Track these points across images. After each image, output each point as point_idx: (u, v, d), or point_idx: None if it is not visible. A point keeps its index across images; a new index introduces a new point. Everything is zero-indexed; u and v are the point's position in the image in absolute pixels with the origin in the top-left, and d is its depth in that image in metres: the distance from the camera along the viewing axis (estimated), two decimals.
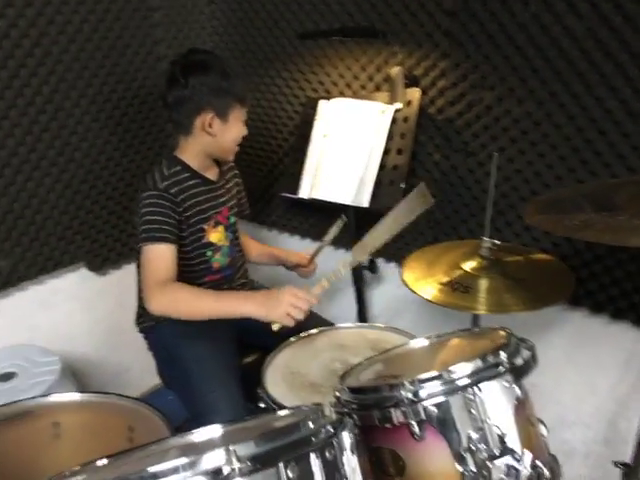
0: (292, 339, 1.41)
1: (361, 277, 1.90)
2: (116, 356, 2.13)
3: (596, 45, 1.35)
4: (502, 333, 0.88)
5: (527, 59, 1.46)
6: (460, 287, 1.24)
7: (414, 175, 1.78)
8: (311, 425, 0.62)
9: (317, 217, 2.11)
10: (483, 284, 1.25)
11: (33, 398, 1.18)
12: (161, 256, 1.41)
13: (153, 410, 1.15)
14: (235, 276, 1.68)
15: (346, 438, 0.62)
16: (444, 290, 1.25)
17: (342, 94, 1.87)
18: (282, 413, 0.81)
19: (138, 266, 1.58)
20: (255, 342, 1.65)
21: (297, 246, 2.22)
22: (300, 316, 1.30)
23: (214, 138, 1.48)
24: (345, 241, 2.03)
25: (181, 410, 1.50)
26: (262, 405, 1.21)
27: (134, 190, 1.98)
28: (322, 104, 1.79)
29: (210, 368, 1.46)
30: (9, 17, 1.55)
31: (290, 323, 1.30)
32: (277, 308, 1.29)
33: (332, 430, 0.64)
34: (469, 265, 1.34)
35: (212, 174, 1.61)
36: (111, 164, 1.90)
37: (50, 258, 1.81)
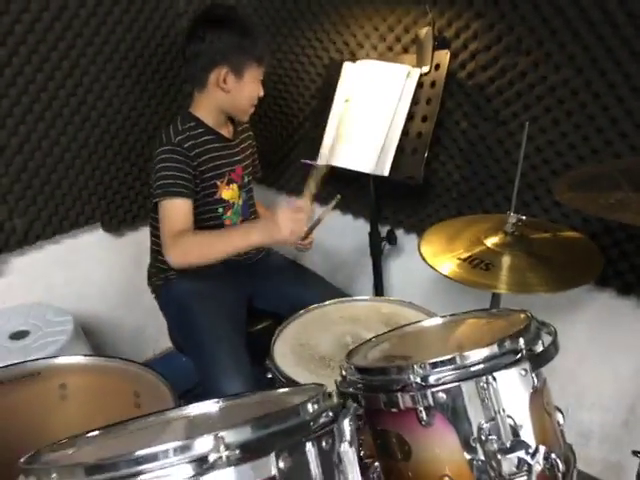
0: (304, 310, 1.37)
1: (379, 248, 1.84)
2: (131, 317, 2.13)
3: None
4: (522, 316, 0.82)
5: (567, 21, 1.35)
6: (481, 264, 1.18)
7: (439, 144, 1.70)
8: (310, 409, 0.58)
9: (337, 184, 2.04)
10: (505, 261, 1.18)
11: (40, 359, 1.17)
12: (177, 210, 1.41)
13: (158, 376, 1.13)
14: None
15: (347, 426, 0.58)
16: (464, 266, 1.19)
17: (368, 56, 1.78)
18: (282, 391, 0.78)
19: (151, 225, 1.56)
20: (266, 308, 1.64)
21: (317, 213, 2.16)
22: (302, 228, 1.35)
23: (228, 94, 1.46)
24: (364, 213, 1.99)
25: (192, 373, 1.49)
26: (269, 376, 1.19)
27: (151, 151, 1.93)
28: (347, 66, 1.71)
29: (219, 331, 1.45)
30: None
31: (297, 238, 1.36)
32: (279, 230, 1.31)
33: (333, 416, 0.60)
34: (492, 241, 1.27)
35: (227, 132, 1.59)
36: (128, 124, 1.86)
37: (66, 218, 1.80)
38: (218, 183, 1.52)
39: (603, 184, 0.94)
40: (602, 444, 1.75)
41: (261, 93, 1.52)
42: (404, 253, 1.98)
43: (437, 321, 0.98)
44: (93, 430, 0.72)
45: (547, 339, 0.80)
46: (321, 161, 1.73)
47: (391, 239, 1.84)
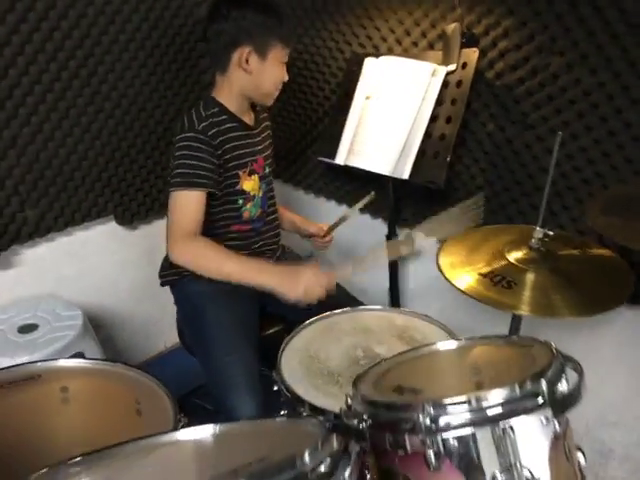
0: (315, 318, 1.32)
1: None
2: (143, 310, 2.11)
3: None
4: (545, 350, 0.76)
5: (606, 22, 1.27)
6: (502, 281, 1.11)
7: (464, 146, 1.62)
8: (308, 460, 0.53)
9: (356, 183, 1.98)
10: (529, 279, 1.11)
11: (41, 362, 1.15)
12: (191, 204, 1.35)
13: (159, 384, 1.11)
14: (265, 233, 1.59)
15: (347, 478, 0.53)
16: (484, 282, 1.12)
17: (391, 51, 1.70)
18: (282, 423, 0.73)
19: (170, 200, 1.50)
20: (278, 312, 1.59)
21: (333, 212, 2.11)
22: (318, 297, 1.26)
23: (250, 76, 1.39)
24: (382, 214, 1.92)
25: (199, 372, 1.46)
26: (275, 388, 1.14)
27: (166, 144, 1.90)
28: (369, 61, 1.64)
29: (229, 332, 1.41)
30: None
31: (307, 302, 1.26)
32: (295, 287, 1.25)
33: (332, 465, 0.55)
34: (515, 256, 1.20)
35: (249, 119, 1.52)
36: (143, 116, 1.82)
37: (78, 210, 1.77)
38: (240, 173, 1.46)
39: None
40: (623, 464, 1.68)
41: (285, 77, 1.45)
42: (423, 257, 1.91)
43: (452, 345, 0.92)
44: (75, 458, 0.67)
45: (572, 376, 0.73)
46: (339, 160, 1.67)
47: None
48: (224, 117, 1.42)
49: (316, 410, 1.03)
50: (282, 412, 1.08)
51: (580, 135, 1.39)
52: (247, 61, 1.36)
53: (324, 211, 2.17)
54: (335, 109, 1.80)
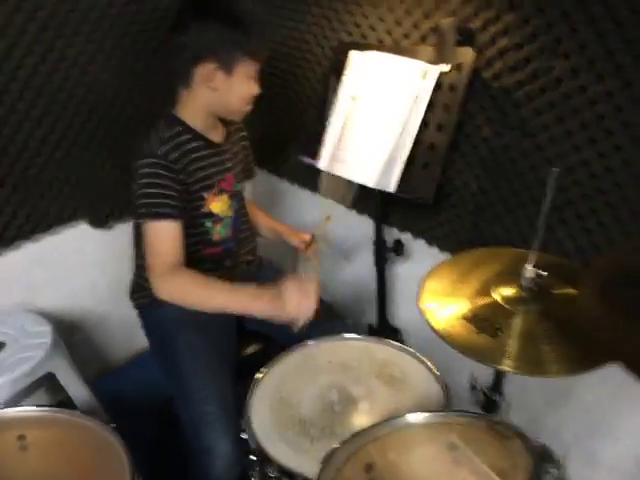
0: (291, 349, 1.24)
1: (384, 259, 1.68)
2: (122, 309, 2.01)
3: None
4: (523, 452, 0.67)
5: (618, 25, 1.11)
6: (488, 328, 1.01)
7: (457, 150, 1.49)
8: None
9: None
10: (516, 326, 1.02)
11: None
12: (165, 236, 1.26)
13: (119, 439, 1.04)
14: (239, 251, 1.51)
15: None
16: (467, 328, 1.03)
17: (381, 42, 1.55)
18: None
19: (136, 237, 1.42)
20: (258, 329, 1.51)
21: (317, 205, 2.00)
22: (310, 310, 1.19)
23: (217, 93, 1.27)
24: (370, 210, 1.81)
25: None
26: (244, 436, 1.07)
27: (138, 142, 1.77)
28: (354, 55, 1.48)
29: (202, 364, 1.34)
30: None
31: (306, 317, 1.19)
32: (285, 308, 1.17)
33: None
34: (504, 292, 1.10)
35: (217, 135, 1.41)
36: (114, 111, 1.68)
37: (46, 215, 1.66)
38: (205, 195, 1.36)
39: None
40: (611, 471, 1.63)
41: (256, 91, 1.33)
42: (411, 259, 1.81)
43: (421, 420, 0.83)
44: None
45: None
46: (322, 164, 1.55)
47: (398, 250, 1.67)
48: (187, 137, 1.31)
49: (284, 472, 0.96)
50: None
51: (583, 147, 1.26)
52: (212, 77, 1.23)
53: (309, 203, 2.07)
54: (320, 103, 1.66)
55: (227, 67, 1.23)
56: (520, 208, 1.44)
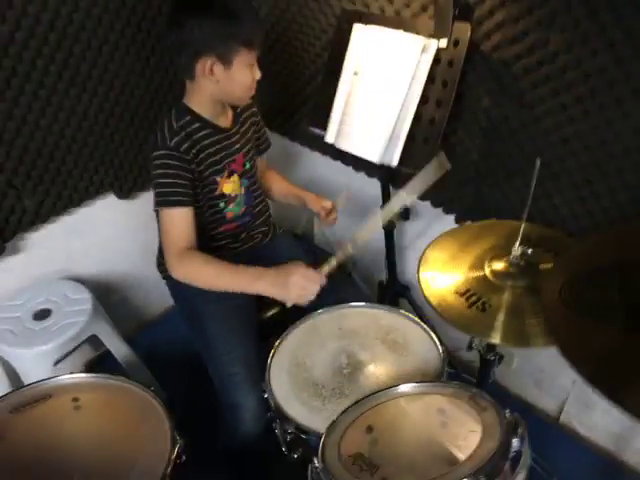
0: (303, 318, 1.38)
1: (392, 223, 1.78)
2: (152, 271, 2.17)
3: None
4: (495, 422, 0.80)
5: (610, 1, 1.13)
6: (478, 302, 1.13)
7: (459, 118, 1.54)
8: None
9: None
10: (505, 301, 1.12)
11: (50, 379, 1.25)
12: (178, 222, 1.38)
13: (160, 402, 1.21)
14: (253, 223, 1.62)
15: None
16: (459, 302, 1.14)
17: (382, 11, 1.57)
18: None
19: (158, 217, 1.54)
20: None
21: (327, 166, 2.09)
22: (310, 297, 1.28)
23: (219, 84, 1.34)
24: (377, 172, 1.89)
25: None
26: (265, 395, 1.23)
27: (155, 114, 1.86)
28: (357, 28, 1.51)
29: (227, 330, 1.47)
30: None
31: (302, 303, 1.29)
32: (286, 290, 1.27)
33: None
34: (496, 266, 1.20)
35: (225, 120, 1.48)
36: (127, 89, 1.76)
37: (75, 192, 1.79)
38: (218, 179, 1.46)
39: (599, 299, 0.79)
40: (605, 414, 1.78)
41: (257, 76, 1.38)
42: (418, 219, 1.91)
43: (412, 390, 0.97)
44: None
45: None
46: (329, 138, 1.62)
47: (404, 215, 1.76)
48: (197, 125, 1.39)
49: (301, 429, 1.12)
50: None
51: (577, 120, 1.31)
52: (212, 71, 1.29)
53: (319, 165, 2.15)
54: (325, 75, 1.69)
55: (225, 59, 1.29)
56: (519, 174, 1.50)
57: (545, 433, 1.88)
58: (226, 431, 1.41)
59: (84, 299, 1.74)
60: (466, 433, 0.84)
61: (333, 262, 1.33)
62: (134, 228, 2.06)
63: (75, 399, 1.26)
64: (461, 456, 0.79)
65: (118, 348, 1.85)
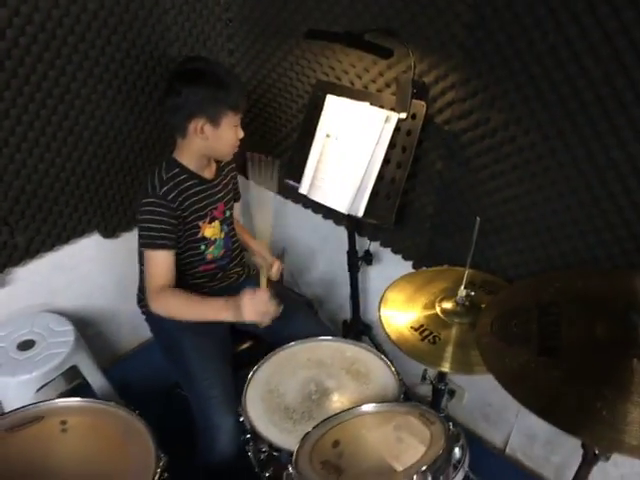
0: (276, 351, 1.53)
1: (356, 266, 1.98)
2: (128, 306, 2.29)
3: (612, 93, 1.28)
4: (441, 433, 0.98)
5: (539, 91, 1.39)
6: (430, 336, 1.32)
7: (416, 178, 1.77)
8: None
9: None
10: (453, 335, 1.32)
11: (44, 402, 1.36)
12: (161, 263, 1.55)
13: (144, 423, 1.33)
14: (230, 264, 1.79)
15: None
16: (415, 336, 1.33)
17: (352, 84, 1.81)
18: None
19: (140, 258, 1.68)
20: (248, 330, 1.79)
21: (299, 214, 2.28)
22: (268, 307, 1.48)
23: (207, 142, 1.54)
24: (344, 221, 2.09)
25: None
26: (241, 419, 1.37)
27: (142, 162, 2.03)
28: (330, 99, 1.75)
29: (205, 357, 1.61)
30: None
31: (269, 316, 1.50)
32: (244, 312, 1.47)
33: None
34: (445, 306, 1.40)
35: (209, 172, 1.68)
36: (120, 139, 1.93)
37: (64, 230, 1.92)
38: (200, 224, 1.63)
39: (519, 330, 1.01)
40: (545, 446, 1.97)
41: (241, 135, 1.59)
42: (380, 263, 2.11)
43: (373, 409, 1.14)
44: None
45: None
46: (303, 189, 1.82)
47: (367, 259, 1.97)
48: (184, 176, 1.58)
49: (273, 447, 1.26)
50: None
51: (514, 184, 1.55)
52: (202, 130, 1.50)
53: (291, 212, 2.34)
54: (302, 131, 1.91)
55: (214, 121, 1.50)
56: (467, 228, 1.71)
57: (492, 463, 2.06)
58: (203, 452, 1.53)
59: (67, 331, 1.84)
60: (417, 443, 1.01)
61: (262, 274, 1.59)
62: (113, 265, 2.20)
63: (63, 422, 1.37)
64: (412, 461, 0.96)
65: (96, 379, 1.94)
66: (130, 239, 2.16)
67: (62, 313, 1.98)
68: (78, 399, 1.39)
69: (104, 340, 2.30)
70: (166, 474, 1.26)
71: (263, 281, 1.58)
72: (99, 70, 1.77)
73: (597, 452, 1.00)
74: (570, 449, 1.87)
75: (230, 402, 1.52)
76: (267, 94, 2.12)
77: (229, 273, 1.80)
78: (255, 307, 1.47)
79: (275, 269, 1.73)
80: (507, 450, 2.09)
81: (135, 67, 1.86)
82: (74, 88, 1.73)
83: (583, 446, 1.01)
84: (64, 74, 1.69)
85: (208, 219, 1.65)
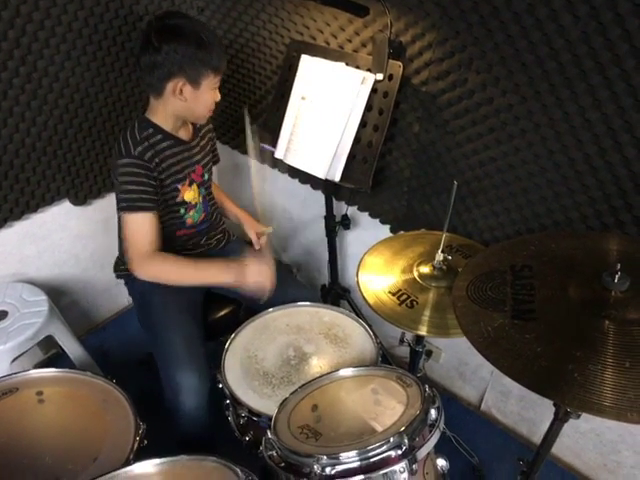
0: (255, 316, 1.53)
1: (334, 231, 1.97)
2: (105, 274, 2.27)
3: (589, 52, 1.26)
4: (417, 394, 0.99)
5: (517, 51, 1.37)
6: (407, 300, 1.32)
7: (393, 140, 1.75)
8: None
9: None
10: (430, 299, 1.33)
11: (17, 374, 1.34)
12: (142, 226, 1.49)
13: (122, 392, 1.33)
14: (210, 230, 1.76)
15: None
16: (391, 301, 1.33)
17: (328, 43, 1.75)
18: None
19: (119, 225, 1.64)
20: (226, 294, 1.77)
21: (276, 178, 2.25)
22: (268, 282, 1.47)
23: (185, 103, 1.48)
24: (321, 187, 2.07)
25: None
26: (220, 386, 1.38)
27: (112, 125, 1.97)
28: (305, 59, 1.70)
29: (173, 313, 1.59)
30: None
31: (264, 290, 1.47)
32: (246, 280, 1.45)
33: None
34: (422, 270, 1.40)
35: (185, 134, 1.62)
36: (86, 102, 1.86)
37: (32, 198, 1.86)
38: (179, 187, 1.59)
39: (494, 294, 1.02)
40: (519, 402, 2.03)
41: (217, 98, 1.53)
42: (358, 227, 2.10)
43: (352, 374, 1.15)
44: None
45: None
46: (278, 154, 1.79)
47: (345, 224, 1.95)
48: (159, 137, 1.52)
49: (253, 412, 1.27)
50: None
51: (491, 146, 1.54)
52: (181, 91, 1.43)
53: (268, 177, 2.30)
54: (276, 94, 1.87)
55: (195, 82, 1.44)
56: (444, 192, 1.72)
57: (468, 420, 2.12)
58: (170, 412, 1.49)
59: (40, 301, 1.81)
60: (395, 404, 1.03)
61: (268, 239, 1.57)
62: (86, 233, 2.15)
63: (39, 392, 1.36)
64: (389, 422, 0.97)
65: (73, 348, 1.92)
66: (102, 206, 2.12)
67: (35, 283, 1.95)
68: (53, 369, 1.38)
69: (80, 309, 2.27)
70: (145, 441, 1.27)
71: (268, 247, 1.54)
72: (62, 29, 1.68)
73: (569, 410, 1.03)
74: (542, 405, 1.94)
75: (194, 361, 1.47)
76: (239, 55, 2.05)
77: (209, 239, 1.78)
78: (260, 273, 1.45)
79: (265, 238, 1.73)
80: (482, 407, 2.15)
81: (100, 26, 1.77)
82: (36, 49, 1.65)
83: (555, 405, 1.04)
84: (24, 34, 1.61)
85: (187, 182, 1.61)
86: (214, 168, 1.86)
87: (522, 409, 2.03)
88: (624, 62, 1.22)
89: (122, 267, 1.73)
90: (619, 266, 0.93)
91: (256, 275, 1.45)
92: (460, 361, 2.12)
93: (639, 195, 1.34)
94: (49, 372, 1.37)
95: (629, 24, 1.18)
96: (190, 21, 1.45)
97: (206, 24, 1.53)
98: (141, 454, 1.24)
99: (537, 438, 2.03)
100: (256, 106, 2.14)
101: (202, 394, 1.47)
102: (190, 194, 1.63)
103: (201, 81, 1.44)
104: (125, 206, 1.47)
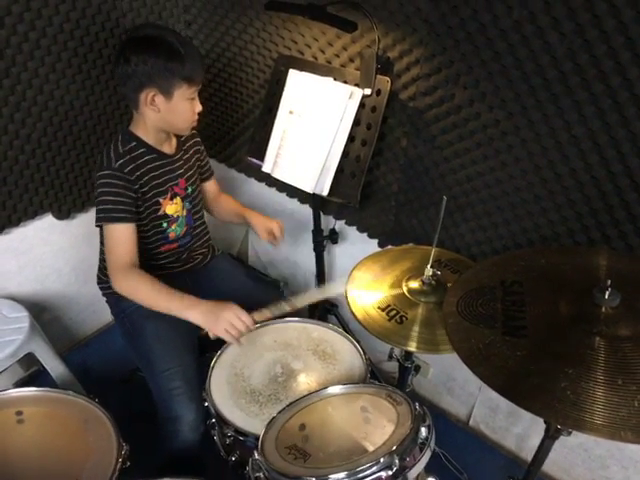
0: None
1: (322, 245, 1.96)
2: (86, 289, 2.23)
3: (575, 68, 1.27)
4: (408, 413, 0.97)
5: (504, 67, 1.38)
6: (396, 315, 1.31)
7: (381, 155, 1.75)
8: None
9: None
10: (419, 315, 1.31)
11: None
12: (120, 238, 1.47)
13: (104, 411, 1.29)
14: (194, 244, 1.74)
15: None
16: (381, 316, 1.32)
17: (315, 58, 1.76)
18: None
19: (101, 237, 1.61)
20: None
21: (263, 192, 2.24)
22: (238, 334, 1.38)
23: (159, 114, 1.47)
24: (309, 202, 2.06)
25: None
26: (206, 404, 1.35)
27: (97, 139, 1.94)
28: (293, 74, 1.70)
29: (167, 345, 1.56)
30: None
31: (228, 339, 1.39)
32: (216, 323, 1.38)
33: None
34: (411, 285, 1.39)
35: (169, 147, 1.61)
36: (71, 115, 1.83)
37: (14, 212, 1.82)
38: (161, 200, 1.57)
39: (485, 310, 1.01)
40: (507, 417, 2.02)
41: (198, 109, 1.52)
42: (346, 242, 2.09)
43: (339, 391, 1.13)
44: None
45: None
46: (266, 168, 1.78)
47: (333, 238, 1.94)
48: (142, 150, 1.51)
49: (239, 432, 1.24)
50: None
51: (478, 161, 1.55)
52: (153, 102, 1.43)
53: (255, 190, 2.30)
54: (264, 108, 1.86)
55: (166, 92, 1.42)
56: (432, 206, 1.72)
57: (457, 436, 2.10)
58: (164, 441, 1.49)
59: (21, 317, 1.77)
60: (385, 423, 1.01)
61: (266, 313, 1.44)
62: (69, 248, 2.11)
63: (19, 412, 1.32)
64: (380, 442, 0.96)
65: (54, 366, 1.87)
66: (86, 220, 2.08)
67: (15, 299, 1.90)
68: (33, 389, 1.34)
69: (62, 325, 2.22)
70: (128, 463, 1.24)
71: (265, 313, 1.43)
72: (47, 42, 1.66)
73: (559, 427, 1.02)
74: (530, 420, 1.93)
75: (192, 392, 1.47)
76: (227, 68, 2.04)
77: (193, 254, 1.75)
78: (233, 326, 1.36)
79: (277, 229, 1.72)
80: (471, 422, 2.13)
81: (85, 39, 1.76)
82: (20, 61, 1.63)
83: (546, 422, 1.03)
84: (9, 46, 1.58)
85: (169, 195, 1.59)
86: (214, 180, 1.85)
87: (510, 424, 2.02)
88: (609, 78, 1.23)
89: (104, 284, 1.69)
90: (610, 282, 0.92)
91: (228, 325, 1.36)
92: (448, 376, 2.11)
93: (625, 210, 1.35)
94: (29, 391, 1.34)
95: (614, 41, 1.19)
96: (162, 31, 1.45)
97: (181, 35, 1.51)
98: (124, 476, 1.21)
99: (525, 453, 2.02)
100: (243, 120, 2.13)
101: (199, 422, 1.45)
102: (172, 207, 1.61)
103: (173, 91, 1.43)
104: (102, 217, 1.46)
